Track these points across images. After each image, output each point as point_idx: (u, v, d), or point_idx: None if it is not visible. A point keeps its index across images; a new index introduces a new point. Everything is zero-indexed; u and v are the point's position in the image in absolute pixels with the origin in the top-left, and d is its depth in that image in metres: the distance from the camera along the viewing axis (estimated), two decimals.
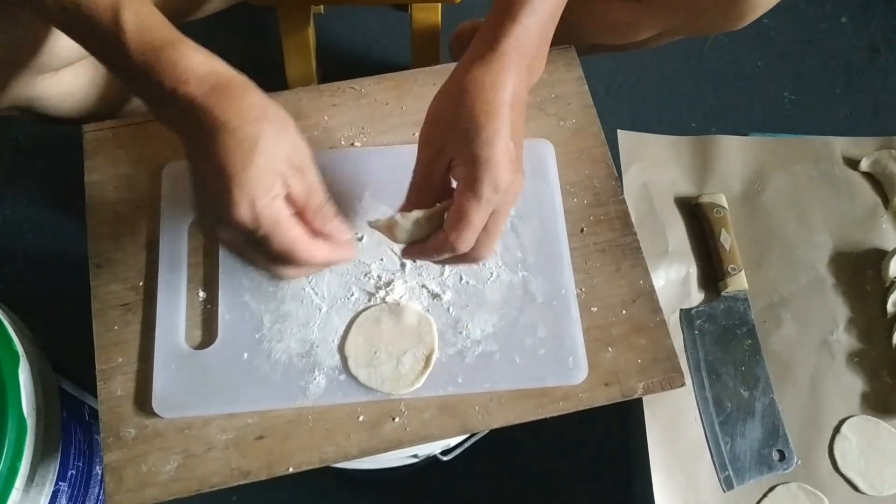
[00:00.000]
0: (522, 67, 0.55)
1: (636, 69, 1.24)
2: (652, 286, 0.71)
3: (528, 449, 1.04)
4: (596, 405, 0.67)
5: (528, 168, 0.72)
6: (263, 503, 0.98)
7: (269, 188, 0.49)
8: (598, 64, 1.16)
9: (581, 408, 0.67)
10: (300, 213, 0.52)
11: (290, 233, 0.51)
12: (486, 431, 0.76)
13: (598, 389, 0.67)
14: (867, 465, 0.78)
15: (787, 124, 1.16)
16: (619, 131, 0.89)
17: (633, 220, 0.83)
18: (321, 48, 1.12)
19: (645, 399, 0.77)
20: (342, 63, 1.30)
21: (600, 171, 0.76)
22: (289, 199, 0.51)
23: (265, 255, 0.52)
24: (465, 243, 0.54)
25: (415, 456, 0.71)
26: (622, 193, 0.75)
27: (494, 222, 0.55)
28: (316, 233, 0.53)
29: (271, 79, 0.71)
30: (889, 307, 0.83)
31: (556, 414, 0.67)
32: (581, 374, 0.67)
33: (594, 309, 0.70)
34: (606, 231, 0.73)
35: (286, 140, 0.51)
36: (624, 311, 0.70)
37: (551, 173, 0.75)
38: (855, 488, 0.77)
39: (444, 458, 0.73)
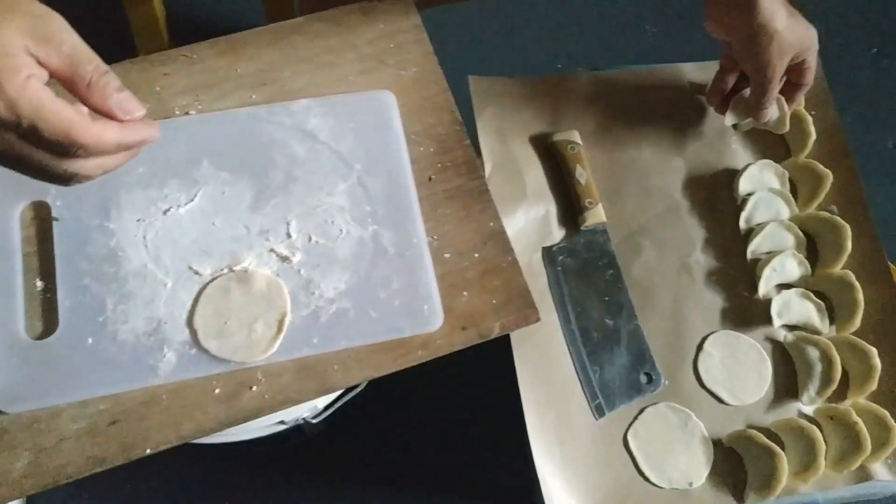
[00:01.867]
0: None
1: (501, 16, 1.25)
2: (502, 227, 0.73)
3: (419, 401, 1.07)
4: (455, 349, 0.69)
5: (371, 121, 0.73)
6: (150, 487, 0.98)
7: (15, 70, 0.44)
8: (461, 12, 1.16)
9: (440, 354, 0.69)
10: (73, 91, 0.47)
11: (62, 114, 0.45)
12: (360, 390, 0.77)
13: (455, 334, 0.69)
14: (730, 377, 0.82)
15: (652, 57, 1.19)
16: (469, 77, 0.90)
17: (489, 165, 0.86)
18: (174, 18, 1.08)
19: (514, 342, 0.79)
20: (200, 32, 1.27)
21: (444, 118, 0.77)
22: (54, 77, 0.47)
23: (45, 151, 0.46)
24: None
25: (282, 422, 0.72)
26: (467, 139, 0.76)
27: None
28: (100, 112, 0.48)
29: (126, 53, 0.69)
30: (742, 224, 0.87)
31: (416, 363, 0.69)
32: (437, 321, 0.69)
33: (447, 255, 0.71)
34: (454, 177, 0.74)
35: (21, 13, 0.45)
36: (476, 255, 0.71)
37: (395, 124, 0.75)
38: (720, 400, 0.82)
39: (314, 421, 0.74)
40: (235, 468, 1.03)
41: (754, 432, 0.80)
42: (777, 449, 0.79)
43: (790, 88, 0.88)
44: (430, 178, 0.75)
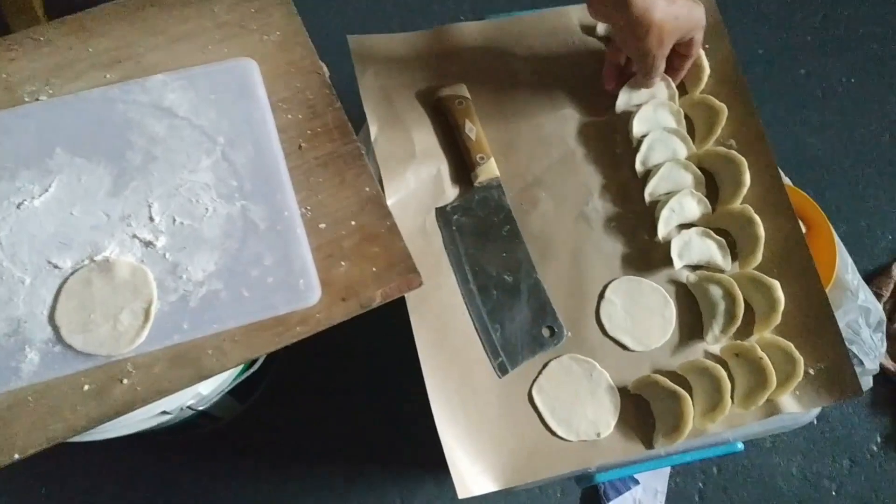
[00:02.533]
0: None
1: None
2: (378, 191, 0.71)
3: (342, 376, 1.05)
4: (336, 322, 0.68)
5: (234, 91, 0.70)
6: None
7: None
8: None
9: (321, 328, 0.67)
10: None
11: None
12: (250, 373, 0.75)
13: (335, 307, 0.67)
14: (633, 323, 0.81)
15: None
16: (348, 36, 0.87)
17: (375, 126, 0.83)
18: None
19: (410, 307, 0.78)
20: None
21: (312, 81, 0.74)
22: None
23: None
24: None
25: (164, 412, 0.70)
26: (338, 101, 0.73)
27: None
28: None
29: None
30: (638, 166, 0.86)
31: (294, 340, 0.67)
32: (314, 294, 0.67)
33: (322, 225, 0.69)
34: (326, 143, 0.72)
35: None
36: (353, 222, 0.69)
37: (259, 92, 0.73)
38: (624, 347, 0.81)
39: (199, 409, 0.72)
40: (151, 459, 1.01)
41: (658, 376, 0.79)
42: (681, 391, 0.78)
43: (678, 59, 0.87)
44: (300, 147, 0.73)
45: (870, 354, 1.10)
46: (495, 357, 0.81)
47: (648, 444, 0.80)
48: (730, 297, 0.83)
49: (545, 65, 0.92)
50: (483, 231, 0.85)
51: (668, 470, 1.14)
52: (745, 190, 0.86)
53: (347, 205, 0.71)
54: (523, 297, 0.83)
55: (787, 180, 1.14)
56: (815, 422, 1.19)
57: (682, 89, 0.93)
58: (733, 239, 0.87)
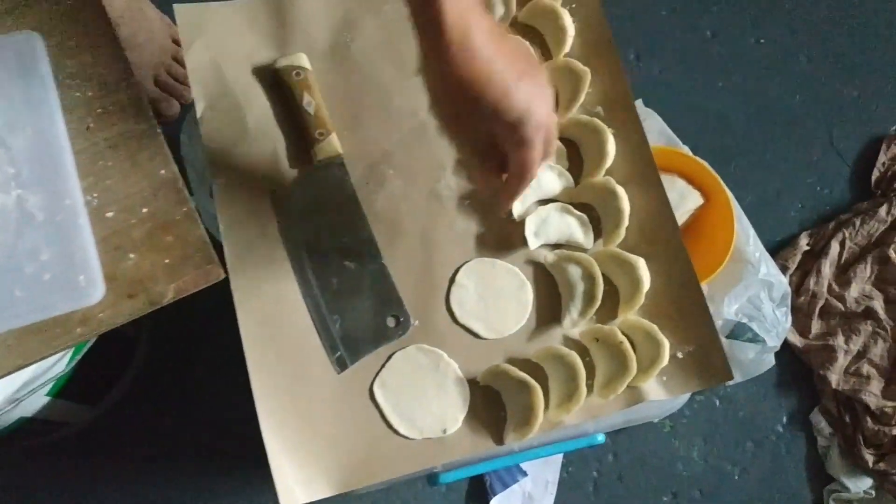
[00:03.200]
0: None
1: None
2: (175, 173, 0.64)
3: (203, 375, 0.99)
4: (122, 322, 0.62)
5: (11, 69, 0.63)
6: None
7: None
8: None
9: (105, 329, 0.61)
10: None
11: None
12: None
13: (121, 304, 0.61)
14: (486, 308, 0.76)
15: None
16: (175, 6, 0.79)
17: (202, 104, 0.77)
18: None
19: (237, 299, 0.72)
20: None
21: (105, 54, 0.67)
22: None
23: None
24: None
25: None
26: (133, 76, 0.66)
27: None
28: None
29: None
30: None
31: (75, 343, 0.61)
32: (97, 292, 0.61)
33: (110, 214, 0.63)
34: (118, 122, 0.65)
35: None
36: (145, 209, 0.63)
37: (41, 68, 0.66)
38: (476, 335, 0.75)
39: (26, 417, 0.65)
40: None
41: (508, 366, 0.74)
42: (531, 381, 0.73)
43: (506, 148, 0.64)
44: (88, 127, 0.66)
45: (772, 331, 1.05)
46: (334, 351, 0.75)
47: (499, 440, 0.74)
48: (589, 277, 0.77)
49: (396, 31, 0.85)
50: (323, 214, 0.79)
51: (559, 458, 1.09)
52: (608, 161, 0.80)
53: (139, 190, 0.65)
54: (366, 285, 0.77)
55: (685, 149, 1.08)
56: (717, 403, 1.13)
57: (548, 54, 0.86)
58: (598, 214, 0.81)
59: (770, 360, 1.06)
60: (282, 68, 0.81)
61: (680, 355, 0.78)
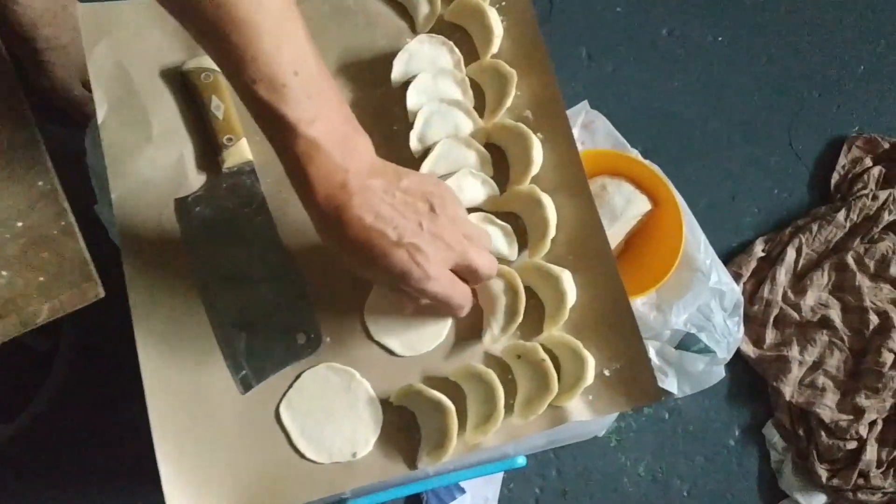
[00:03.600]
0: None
1: None
2: (55, 186, 0.60)
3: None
4: None
5: None
6: None
7: None
8: None
9: None
10: None
11: None
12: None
13: None
14: (403, 324, 0.72)
15: None
16: (79, 4, 0.75)
17: (104, 108, 0.73)
18: None
19: (135, 316, 0.68)
20: None
21: None
22: None
23: None
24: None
25: None
26: (15, 82, 0.62)
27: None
28: None
29: None
30: (414, 144, 0.76)
31: None
32: None
33: None
34: None
35: None
36: (20, 224, 0.60)
37: None
38: (392, 353, 0.71)
39: None
40: None
41: (421, 386, 0.70)
42: (445, 402, 0.69)
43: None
44: None
45: (722, 342, 1.02)
46: (238, 370, 0.71)
47: (412, 464, 0.70)
48: (511, 290, 0.73)
49: (316, 29, 0.80)
50: (231, 224, 0.75)
51: (500, 475, 1.05)
52: (534, 168, 0.77)
53: (14, 203, 0.61)
54: (276, 299, 0.73)
55: (634, 152, 1.04)
56: (667, 416, 1.09)
57: (476, 54, 0.82)
58: (525, 224, 0.77)
59: (720, 372, 1.02)
60: (190, 70, 0.77)
61: (607, 373, 0.74)
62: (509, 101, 0.79)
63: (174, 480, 0.66)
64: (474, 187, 0.77)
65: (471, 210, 0.77)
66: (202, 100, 0.76)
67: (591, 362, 0.72)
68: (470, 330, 0.74)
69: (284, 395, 0.71)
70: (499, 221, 0.76)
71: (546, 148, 0.79)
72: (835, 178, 1.15)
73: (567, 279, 0.74)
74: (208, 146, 0.76)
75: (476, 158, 0.78)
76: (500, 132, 0.78)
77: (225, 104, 0.76)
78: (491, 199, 0.77)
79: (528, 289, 0.75)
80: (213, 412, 0.70)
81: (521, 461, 0.75)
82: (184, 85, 0.78)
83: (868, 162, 1.14)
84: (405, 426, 0.71)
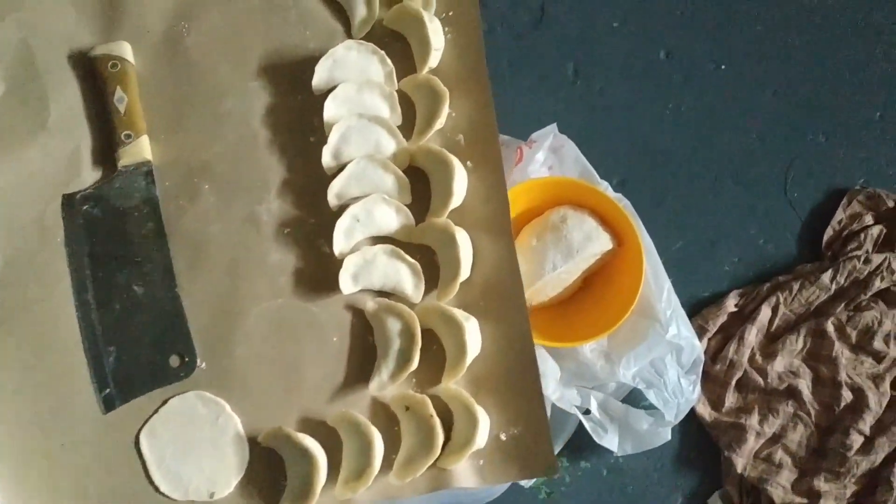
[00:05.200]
0: None
1: None
2: None
3: None
4: None
5: None
6: None
7: None
8: None
9: None
10: None
11: None
12: None
13: None
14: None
15: None
16: None
17: (2, 87, 0.68)
18: None
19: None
20: None
21: None
22: None
23: None
24: None
25: None
26: None
27: None
28: None
29: None
30: (327, 160, 0.70)
31: None
32: None
33: None
34: None
35: None
36: None
37: None
38: (271, 387, 0.66)
39: None
40: None
41: (290, 430, 0.65)
42: (312, 451, 0.64)
43: None
44: None
45: (671, 402, 0.94)
46: (102, 388, 0.67)
47: None
48: (408, 334, 0.67)
49: (242, 25, 0.75)
50: (118, 228, 0.70)
51: None
52: (455, 200, 0.70)
53: None
54: (152, 315, 0.68)
55: (603, 184, 0.97)
56: (605, 473, 1.02)
57: (412, 66, 0.75)
58: (439, 261, 0.71)
59: (665, 435, 0.94)
60: (97, 57, 0.72)
61: (503, 437, 0.68)
62: (439, 123, 0.73)
63: (14, 494, 0.62)
64: (387, 215, 0.71)
65: (382, 239, 0.71)
66: (106, 90, 0.71)
67: (483, 424, 0.66)
68: (360, 371, 0.69)
69: (147, 420, 0.67)
70: (407, 258, 0.70)
71: (475, 178, 0.72)
72: (829, 233, 1.06)
73: (472, 329, 0.68)
74: (107, 141, 0.71)
75: (393, 183, 0.71)
76: (425, 156, 0.72)
77: (129, 97, 0.71)
78: (405, 229, 0.71)
79: (432, 333, 0.69)
80: (70, 430, 0.66)
81: None
82: (90, 72, 0.73)
83: (868, 219, 1.05)
84: (272, 470, 0.66)
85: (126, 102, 0.71)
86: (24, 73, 0.72)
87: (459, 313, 0.68)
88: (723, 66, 1.11)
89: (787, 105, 1.10)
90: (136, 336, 0.68)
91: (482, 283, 0.71)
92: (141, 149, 0.71)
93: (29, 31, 0.73)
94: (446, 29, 0.76)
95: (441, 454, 0.66)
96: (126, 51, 0.73)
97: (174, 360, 0.68)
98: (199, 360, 0.68)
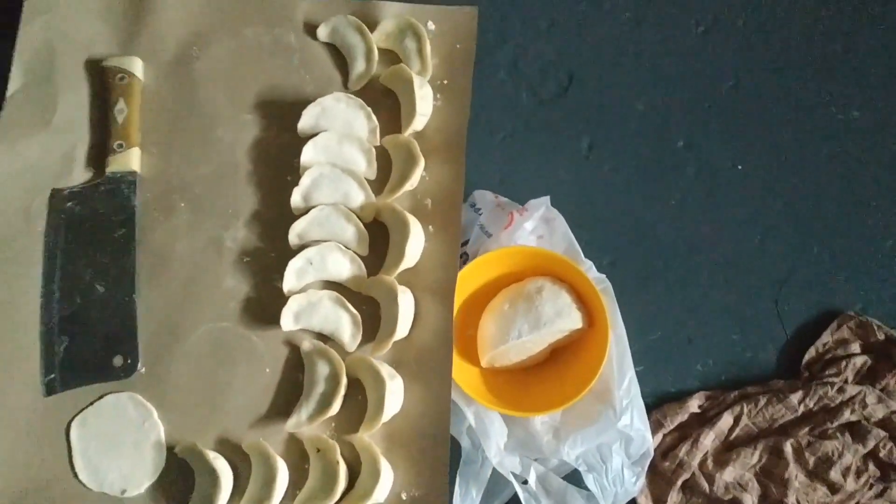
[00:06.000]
0: None
1: None
2: None
3: None
4: None
5: None
6: None
7: None
8: None
9: None
10: None
11: None
12: None
13: None
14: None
15: None
16: None
17: (18, 82, 0.79)
18: None
19: None
20: None
21: None
22: None
23: None
24: None
25: None
26: None
27: None
28: None
29: None
30: (296, 201, 0.76)
31: None
32: None
33: None
34: None
35: None
36: None
37: None
38: (197, 402, 0.70)
39: None
40: None
41: (204, 450, 0.70)
42: (219, 473, 0.69)
43: None
44: None
45: (609, 489, 0.96)
46: (48, 372, 0.72)
47: None
48: (334, 380, 0.71)
49: (247, 59, 0.81)
50: (95, 228, 0.76)
51: None
52: (405, 261, 0.74)
53: None
54: (107, 314, 0.74)
55: (587, 263, 0.99)
56: None
57: (398, 125, 0.79)
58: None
59: None
60: (108, 67, 0.79)
61: (404, 497, 0.71)
62: (410, 185, 0.76)
63: None
64: (340, 263, 0.75)
65: (332, 285, 0.75)
66: (109, 99, 0.78)
67: (385, 480, 0.69)
68: (284, 405, 0.73)
69: (82, 411, 0.72)
70: (349, 307, 0.74)
71: (435, 242, 0.76)
72: (811, 353, 1.04)
73: (395, 388, 0.71)
74: (101, 147, 0.77)
75: (353, 234, 0.75)
76: (389, 214, 0.76)
77: (130, 110, 0.77)
78: (355, 279, 0.75)
79: (359, 383, 0.73)
80: (9, 404, 0.71)
81: None
82: (100, 80, 0.79)
83: (855, 348, 1.03)
84: (182, 481, 0.71)
85: (125, 114, 0.77)
86: (41, 71, 0.79)
87: (387, 370, 0.71)
88: (739, 167, 1.11)
89: (795, 217, 1.10)
90: (89, 330, 0.74)
91: (417, 346, 0.74)
92: (129, 159, 0.77)
93: (55, 33, 0.80)
94: (438, 96, 0.80)
95: (341, 501, 0.69)
96: (136, 66, 0.79)
97: (118, 360, 0.73)
98: (140, 365, 0.73)
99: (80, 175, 0.78)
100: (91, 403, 0.73)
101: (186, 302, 0.75)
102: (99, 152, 0.78)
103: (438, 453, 0.71)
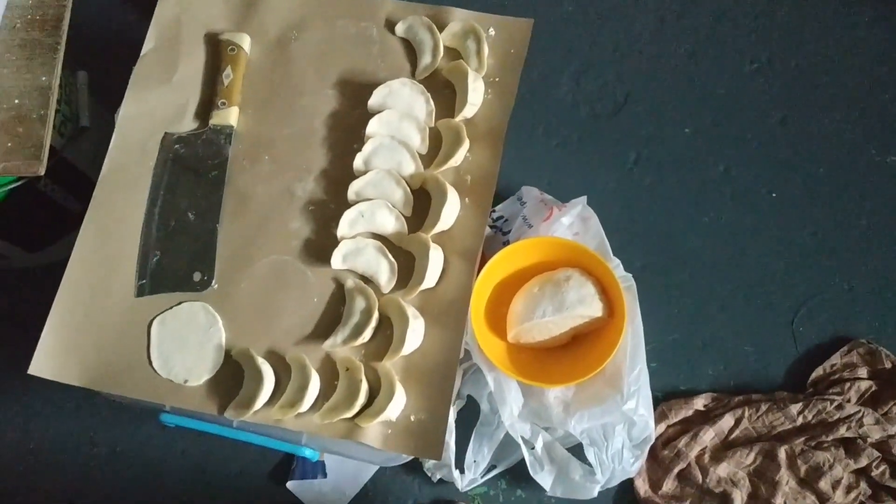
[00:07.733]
0: None
1: None
2: (52, 84, 0.81)
3: None
4: None
5: None
6: None
7: None
8: None
9: None
10: None
11: None
12: None
13: None
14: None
15: None
16: None
17: (150, 44, 0.94)
18: None
19: (95, 195, 0.90)
20: None
21: None
22: None
23: None
24: None
25: None
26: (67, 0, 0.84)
27: None
28: None
29: None
30: (359, 164, 0.90)
31: None
32: None
33: None
34: (35, 30, 0.85)
35: None
36: (17, 101, 0.81)
37: None
38: (257, 318, 0.86)
39: None
40: None
41: (255, 356, 0.84)
42: (264, 374, 0.83)
43: None
44: (15, 26, 0.85)
45: (607, 464, 1.06)
46: (140, 278, 0.89)
47: (222, 410, 0.85)
48: (367, 313, 0.86)
49: (336, 46, 0.97)
50: (194, 168, 0.93)
51: (366, 478, 1.15)
52: (440, 225, 0.88)
53: (20, 84, 0.83)
54: (193, 237, 0.91)
55: (615, 261, 1.10)
56: None
57: (452, 110, 0.94)
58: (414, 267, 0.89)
59: (592, 492, 1.06)
60: (223, 40, 0.96)
61: (412, 418, 0.84)
62: (455, 161, 0.90)
63: (54, 331, 0.86)
64: (386, 219, 0.89)
65: (378, 237, 0.90)
66: (219, 66, 0.95)
67: (398, 401, 0.83)
68: (325, 330, 0.87)
69: (162, 312, 0.88)
70: (389, 256, 0.88)
71: (468, 214, 0.89)
72: (818, 372, 1.12)
73: (417, 327, 0.85)
74: (209, 103, 0.95)
75: (401, 196, 0.90)
76: (433, 183, 0.90)
77: (235, 76, 0.94)
78: (397, 235, 0.90)
79: (389, 321, 0.87)
80: (109, 296, 0.89)
81: (309, 453, 0.88)
82: (214, 50, 0.97)
83: (862, 373, 1.10)
84: (234, 379, 0.86)
85: (231, 79, 0.94)
86: (169, 39, 0.97)
87: (412, 312, 0.85)
88: (774, 195, 1.21)
89: (823, 248, 1.18)
90: (178, 249, 0.90)
91: (441, 296, 0.87)
92: (229, 116, 0.94)
93: (183, 10, 0.98)
94: (489, 91, 0.94)
95: (360, 413, 0.83)
96: (245, 41, 0.96)
97: (197, 275, 0.90)
98: (214, 281, 0.89)
99: (188, 124, 0.95)
100: (170, 307, 0.89)
101: (258, 236, 0.91)
102: (205, 108, 0.95)
103: (445, 387, 0.84)
